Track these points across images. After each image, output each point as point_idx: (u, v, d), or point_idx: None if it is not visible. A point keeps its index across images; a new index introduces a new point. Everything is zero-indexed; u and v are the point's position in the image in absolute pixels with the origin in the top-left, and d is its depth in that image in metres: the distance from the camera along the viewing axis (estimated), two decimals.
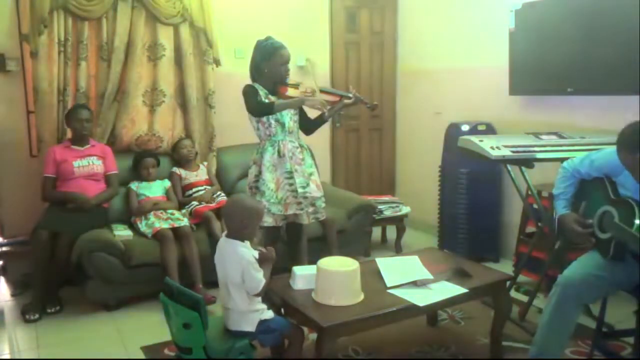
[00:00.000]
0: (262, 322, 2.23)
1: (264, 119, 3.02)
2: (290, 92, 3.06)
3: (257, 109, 2.98)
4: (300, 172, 3.03)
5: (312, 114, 3.20)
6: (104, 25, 3.76)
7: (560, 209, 2.46)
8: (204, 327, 2.05)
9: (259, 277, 2.18)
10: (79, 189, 3.46)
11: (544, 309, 2.33)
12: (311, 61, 4.73)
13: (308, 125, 3.23)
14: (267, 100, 3.00)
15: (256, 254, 2.24)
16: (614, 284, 2.28)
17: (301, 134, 3.21)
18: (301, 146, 3.12)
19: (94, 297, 3.31)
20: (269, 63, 3.02)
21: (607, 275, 2.24)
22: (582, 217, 2.38)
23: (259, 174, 3.02)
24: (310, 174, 3.09)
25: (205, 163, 4.14)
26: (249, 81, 3.09)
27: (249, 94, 3.00)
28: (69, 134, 3.65)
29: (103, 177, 3.61)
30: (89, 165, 3.55)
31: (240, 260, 2.18)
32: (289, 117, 3.07)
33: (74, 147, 3.57)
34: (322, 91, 3.08)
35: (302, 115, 3.21)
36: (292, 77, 3.16)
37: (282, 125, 3.04)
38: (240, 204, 2.32)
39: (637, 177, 2.12)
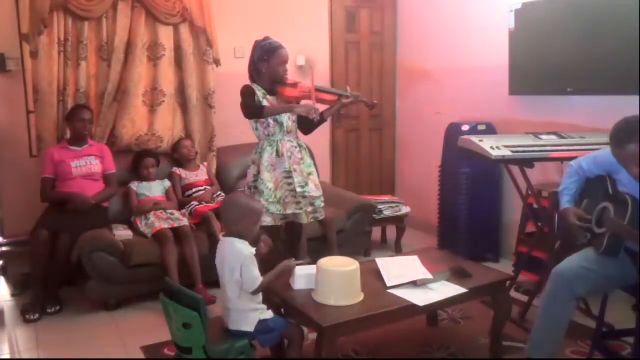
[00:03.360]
0: (261, 322, 2.23)
1: (263, 119, 3.02)
2: (289, 92, 3.06)
3: (248, 111, 3.00)
4: (299, 171, 3.04)
5: None
6: (104, 25, 3.76)
7: (564, 203, 2.52)
8: (204, 327, 2.05)
9: (256, 274, 2.18)
10: (78, 189, 3.46)
11: (539, 304, 2.38)
12: (311, 61, 4.73)
13: (307, 125, 3.23)
14: (265, 100, 3.01)
15: (254, 250, 2.24)
16: (606, 279, 2.31)
17: (300, 134, 3.21)
18: (300, 146, 3.12)
19: (94, 297, 3.31)
20: (267, 63, 3.02)
21: (598, 269, 2.28)
22: (583, 212, 2.44)
23: (257, 174, 3.03)
24: (309, 174, 3.09)
25: (205, 163, 4.14)
26: (248, 81, 3.09)
27: (244, 94, 3.01)
28: (69, 134, 3.65)
29: (101, 176, 3.61)
30: (87, 166, 3.54)
31: (238, 256, 2.19)
32: (288, 117, 3.07)
33: (72, 148, 3.56)
34: (320, 91, 3.08)
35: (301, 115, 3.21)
36: (292, 77, 3.16)
37: (281, 125, 3.04)
38: (234, 202, 2.33)
39: (629, 171, 2.20)
